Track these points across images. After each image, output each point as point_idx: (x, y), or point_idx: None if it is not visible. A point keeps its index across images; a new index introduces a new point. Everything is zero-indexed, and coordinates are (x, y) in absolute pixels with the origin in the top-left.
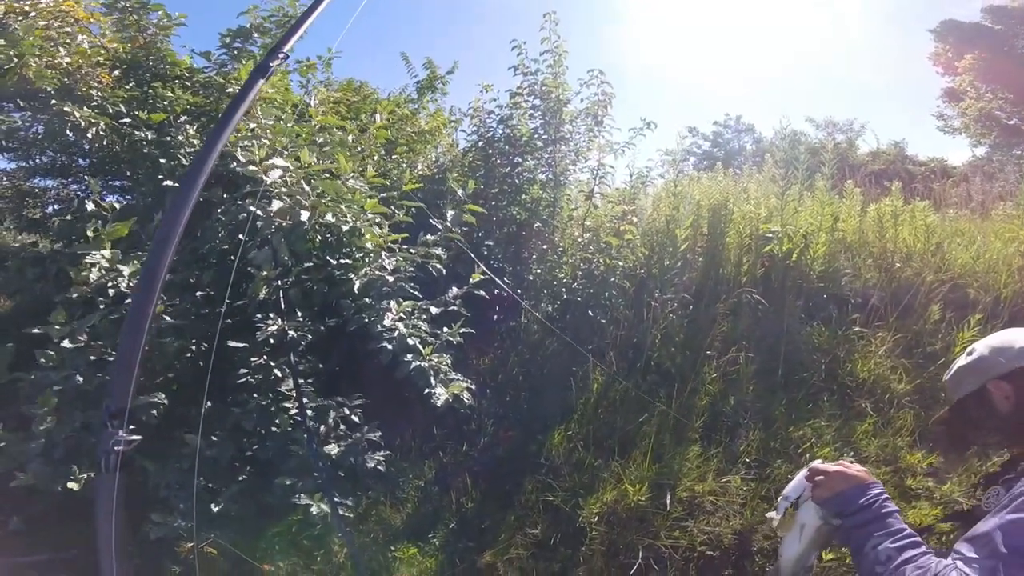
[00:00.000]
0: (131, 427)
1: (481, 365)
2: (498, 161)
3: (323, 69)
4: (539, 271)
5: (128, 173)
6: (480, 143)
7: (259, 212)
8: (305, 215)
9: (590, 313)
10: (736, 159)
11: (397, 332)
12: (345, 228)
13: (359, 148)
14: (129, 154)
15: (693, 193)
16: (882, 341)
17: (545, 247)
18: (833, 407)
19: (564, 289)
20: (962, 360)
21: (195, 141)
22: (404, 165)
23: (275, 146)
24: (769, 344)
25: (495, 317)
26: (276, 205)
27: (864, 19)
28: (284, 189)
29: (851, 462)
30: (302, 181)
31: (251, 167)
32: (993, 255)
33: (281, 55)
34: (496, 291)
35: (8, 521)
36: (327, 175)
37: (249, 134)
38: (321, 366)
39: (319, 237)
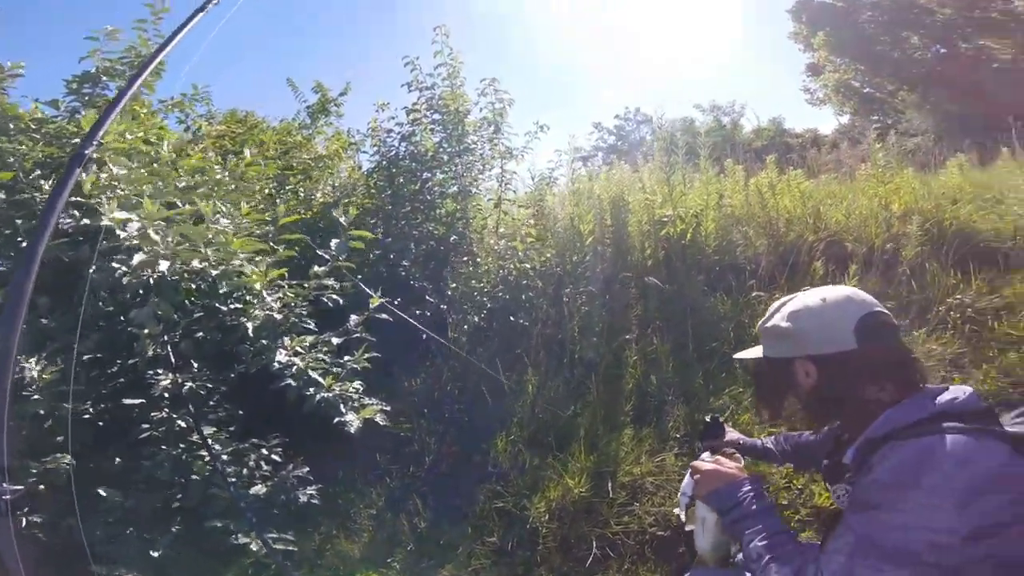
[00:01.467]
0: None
1: (414, 386)
2: (400, 180)
3: (202, 103)
4: (454, 285)
5: None
6: (383, 163)
7: (124, 268)
8: (165, 265)
9: (511, 318)
10: (639, 150)
11: (296, 367)
12: (215, 272)
13: (233, 187)
14: None
15: (594, 188)
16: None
17: (465, 259)
18: (746, 373)
19: (486, 298)
20: (782, 320)
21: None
22: (302, 194)
23: (130, 197)
24: (679, 321)
25: (424, 336)
26: (137, 258)
27: (731, 5)
28: (140, 241)
29: (733, 454)
30: (163, 230)
31: (106, 221)
32: (862, 211)
33: (96, 142)
34: (418, 311)
35: None
36: (189, 220)
37: (104, 187)
38: (241, 412)
39: (192, 286)
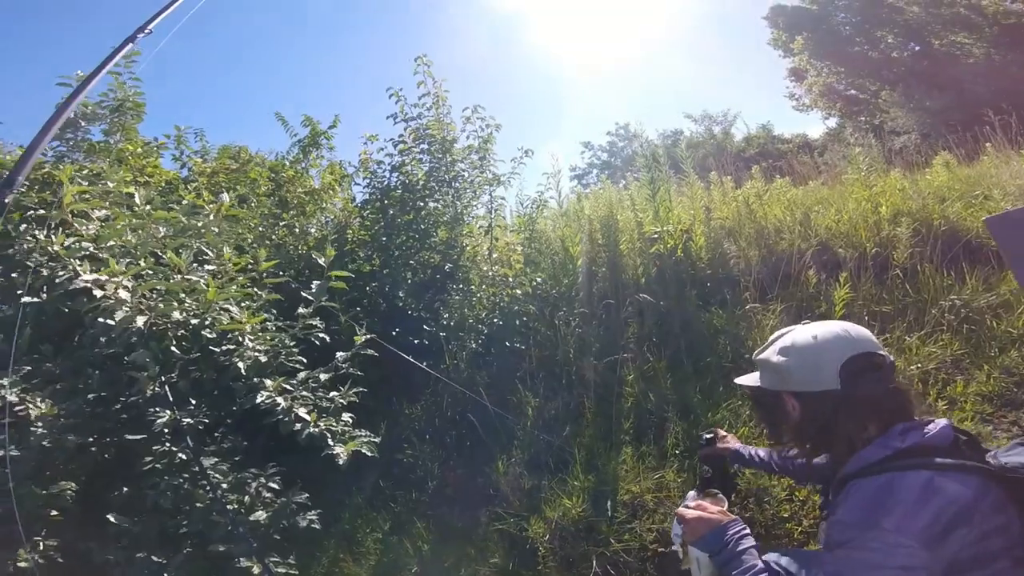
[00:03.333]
0: None
1: (414, 414)
2: (391, 212)
3: (196, 139)
4: (447, 315)
5: None
6: (375, 195)
7: (111, 322)
8: (141, 320)
9: (507, 344)
10: (631, 166)
11: (281, 406)
12: (194, 322)
13: (216, 231)
14: None
15: (584, 209)
16: (773, 313)
17: (460, 286)
18: (746, 397)
19: (482, 324)
20: (773, 355)
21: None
22: (297, 230)
23: (108, 252)
24: (674, 336)
25: (424, 364)
26: (119, 315)
27: (703, 19)
28: (114, 300)
29: (717, 495)
30: (132, 287)
31: (79, 282)
32: (850, 215)
33: (21, 182)
34: (416, 340)
35: None
36: (170, 271)
37: (73, 249)
38: (246, 443)
39: (178, 333)
